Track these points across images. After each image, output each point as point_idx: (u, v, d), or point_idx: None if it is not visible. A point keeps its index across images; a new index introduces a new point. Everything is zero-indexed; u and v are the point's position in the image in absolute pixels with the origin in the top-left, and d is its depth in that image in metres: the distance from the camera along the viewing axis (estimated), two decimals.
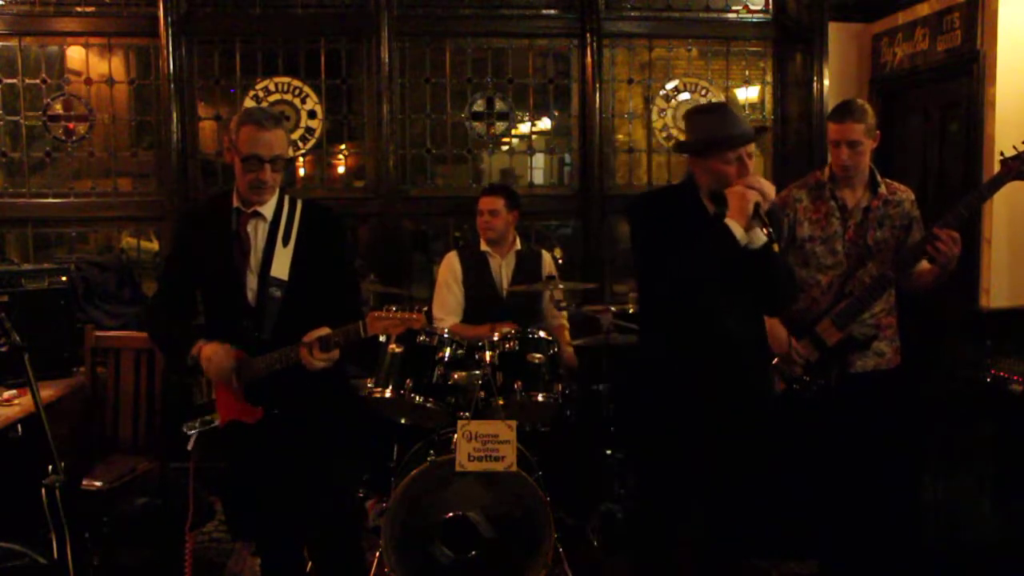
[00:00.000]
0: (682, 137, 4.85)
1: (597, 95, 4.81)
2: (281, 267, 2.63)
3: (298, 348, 2.55)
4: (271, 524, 2.83)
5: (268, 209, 2.67)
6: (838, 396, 3.09)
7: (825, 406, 3.10)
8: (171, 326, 2.75)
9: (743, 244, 2.48)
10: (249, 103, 4.63)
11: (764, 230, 2.47)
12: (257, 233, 2.66)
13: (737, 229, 2.46)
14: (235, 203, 2.68)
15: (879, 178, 3.15)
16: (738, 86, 5.02)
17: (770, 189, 2.49)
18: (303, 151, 4.77)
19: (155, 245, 4.80)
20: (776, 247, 2.50)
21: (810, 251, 3.15)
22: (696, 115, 2.69)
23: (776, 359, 3.13)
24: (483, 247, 3.94)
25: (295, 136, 4.70)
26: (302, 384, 2.62)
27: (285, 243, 2.65)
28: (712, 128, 2.55)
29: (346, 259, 2.88)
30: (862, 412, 3.11)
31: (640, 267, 2.77)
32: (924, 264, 3.04)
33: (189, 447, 2.82)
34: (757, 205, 2.45)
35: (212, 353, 2.61)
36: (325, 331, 2.55)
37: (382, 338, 3.43)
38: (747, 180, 2.49)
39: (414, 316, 2.58)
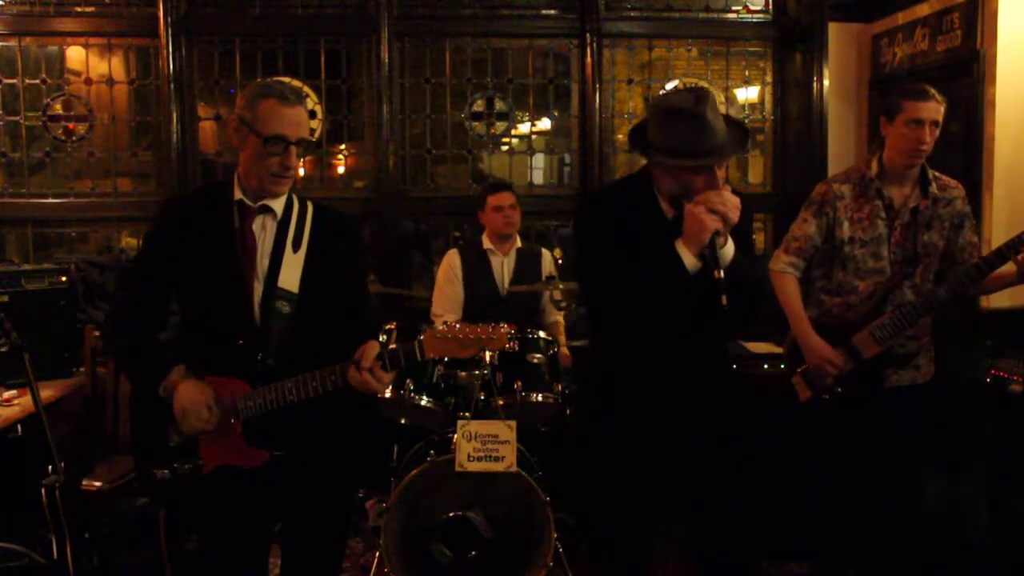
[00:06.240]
0: None
1: (597, 95, 4.81)
2: (290, 277, 2.16)
3: (344, 368, 2.10)
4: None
5: (279, 204, 2.20)
6: (870, 410, 2.93)
7: (855, 418, 2.95)
8: (139, 342, 2.24)
9: (692, 272, 2.23)
10: None
11: (716, 271, 2.19)
12: (266, 232, 2.19)
13: (687, 257, 2.21)
14: (237, 195, 2.18)
15: (931, 175, 2.91)
16: (738, 86, 5.02)
17: (735, 209, 2.21)
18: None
19: None
20: (718, 274, 2.18)
21: (849, 254, 2.91)
22: (670, 117, 2.26)
23: (804, 367, 2.97)
24: (486, 244, 3.94)
25: None
26: (317, 418, 2.19)
27: (296, 248, 2.19)
28: (688, 141, 2.22)
29: (364, 273, 2.59)
30: (895, 429, 2.96)
31: (584, 282, 2.53)
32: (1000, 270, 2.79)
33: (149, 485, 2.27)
34: (715, 234, 2.19)
35: (189, 402, 2.12)
36: (376, 347, 2.10)
37: (382, 337, 3.42)
38: (710, 199, 2.21)
39: (491, 335, 2.09)
